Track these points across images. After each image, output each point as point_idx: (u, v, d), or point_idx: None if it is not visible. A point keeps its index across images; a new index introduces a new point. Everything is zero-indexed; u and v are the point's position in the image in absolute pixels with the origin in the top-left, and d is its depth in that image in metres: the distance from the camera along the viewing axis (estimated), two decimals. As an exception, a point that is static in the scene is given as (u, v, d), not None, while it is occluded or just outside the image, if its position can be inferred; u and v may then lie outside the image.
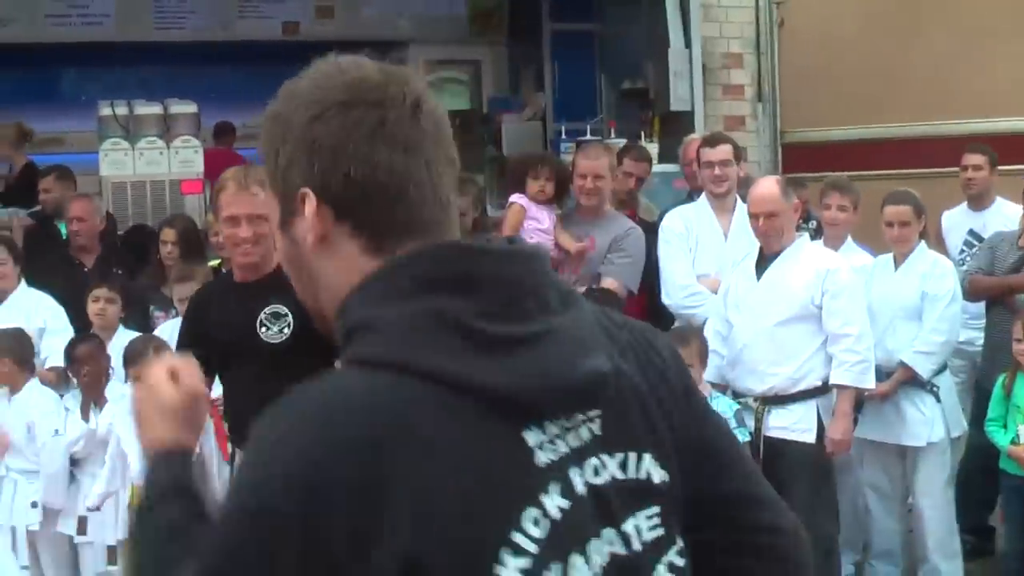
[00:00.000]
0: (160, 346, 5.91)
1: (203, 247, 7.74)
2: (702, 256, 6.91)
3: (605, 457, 1.71)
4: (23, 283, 7.18)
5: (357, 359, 1.65)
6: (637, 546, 1.71)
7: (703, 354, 6.07)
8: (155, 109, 9.92)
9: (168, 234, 7.66)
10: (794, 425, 5.99)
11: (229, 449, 5.37)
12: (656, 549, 1.73)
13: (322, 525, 1.54)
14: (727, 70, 10.92)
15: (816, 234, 7.05)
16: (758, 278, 6.12)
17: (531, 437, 1.64)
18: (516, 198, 7.00)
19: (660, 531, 1.74)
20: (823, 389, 6.05)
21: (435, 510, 1.55)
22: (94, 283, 7.14)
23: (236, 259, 4.96)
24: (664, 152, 9.62)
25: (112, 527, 6.38)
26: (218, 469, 5.90)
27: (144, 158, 9.61)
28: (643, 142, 9.65)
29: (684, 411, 1.83)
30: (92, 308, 6.91)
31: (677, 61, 10.07)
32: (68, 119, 12.74)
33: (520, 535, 1.60)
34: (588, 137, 10.20)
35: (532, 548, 1.60)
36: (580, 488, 1.67)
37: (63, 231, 8.73)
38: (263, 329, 4.72)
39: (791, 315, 6.00)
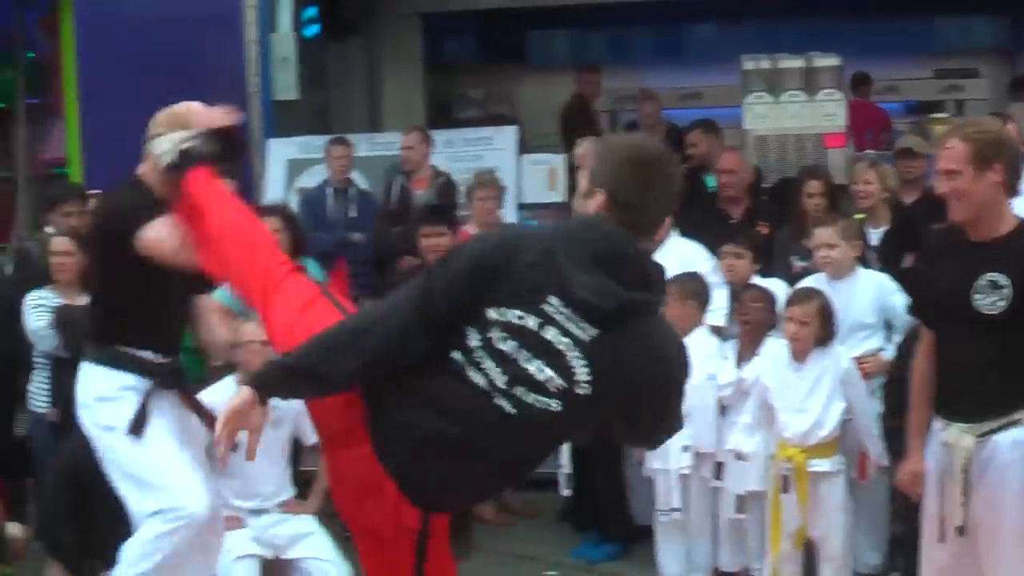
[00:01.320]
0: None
1: (838, 201, 7.66)
2: None
3: (575, 346, 3.28)
4: (675, 233, 7.34)
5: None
6: (537, 378, 3.30)
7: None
8: (798, 63, 9.87)
9: (813, 186, 7.59)
10: None
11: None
12: (539, 389, 3.30)
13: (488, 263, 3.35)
14: None
15: None
16: None
17: (553, 299, 3.29)
18: None
19: (554, 390, 3.29)
20: None
21: (513, 273, 3.31)
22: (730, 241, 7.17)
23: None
24: None
25: (744, 477, 6.43)
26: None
27: (787, 111, 9.59)
28: None
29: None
30: (722, 264, 6.99)
31: None
32: (707, 74, 13.02)
33: (507, 309, 3.30)
34: None
35: (504, 319, 3.30)
36: (546, 335, 3.29)
37: (709, 184, 8.90)
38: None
39: None
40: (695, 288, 6.75)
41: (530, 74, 14.33)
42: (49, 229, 7.72)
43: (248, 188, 8.98)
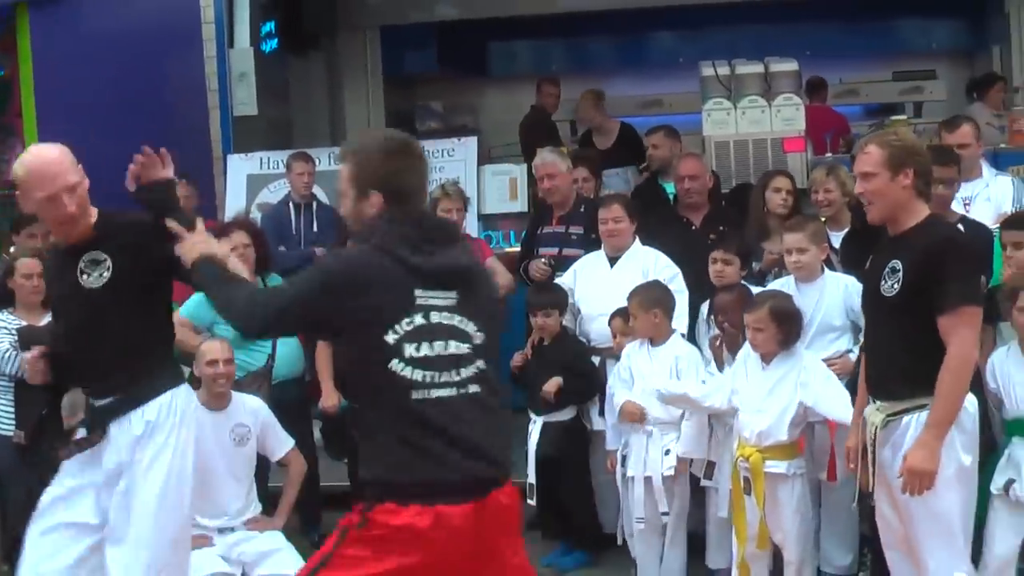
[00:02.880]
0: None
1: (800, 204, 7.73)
2: None
3: (452, 313, 3.93)
4: (637, 241, 7.36)
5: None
6: (458, 352, 3.90)
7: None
8: (757, 68, 9.92)
9: (781, 181, 7.68)
10: None
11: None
12: (467, 359, 3.92)
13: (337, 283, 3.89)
14: None
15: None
16: None
17: (418, 291, 3.89)
18: None
19: (468, 350, 3.92)
20: None
21: (373, 301, 3.84)
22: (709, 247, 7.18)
23: None
24: None
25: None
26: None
27: (746, 117, 9.63)
28: None
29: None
30: (711, 269, 6.99)
31: None
32: (667, 81, 13.07)
33: (397, 326, 3.84)
34: None
35: (401, 333, 3.84)
36: (434, 319, 3.89)
37: (668, 190, 8.92)
38: None
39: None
40: (658, 296, 6.79)
41: (491, 85, 14.35)
42: (12, 250, 7.67)
43: (209, 204, 8.95)
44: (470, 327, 3.97)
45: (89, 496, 4.97)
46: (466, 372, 3.93)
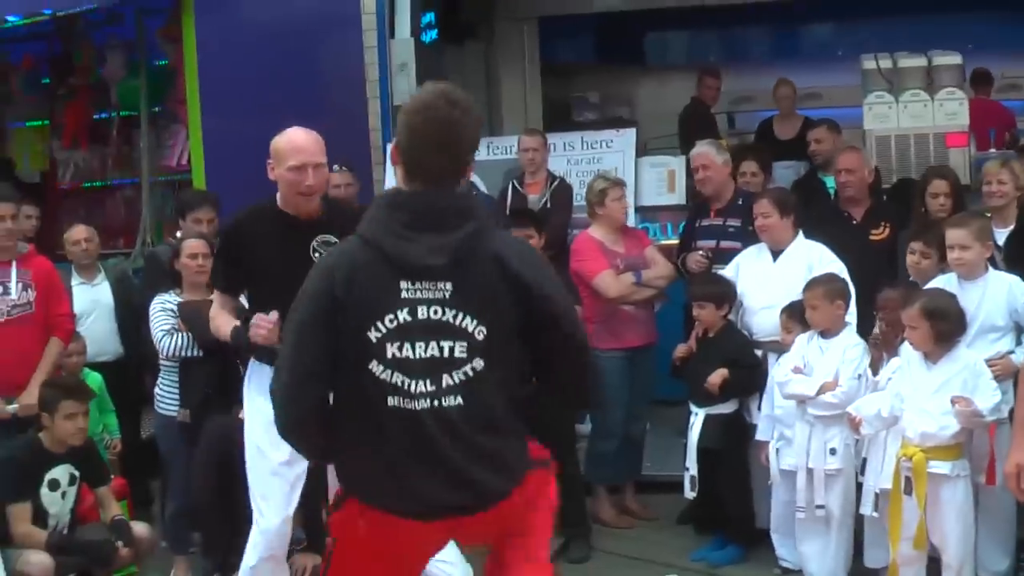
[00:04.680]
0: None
1: (963, 201, 7.55)
2: None
3: (444, 308, 3.51)
4: (800, 235, 7.28)
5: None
6: (443, 356, 3.51)
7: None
8: (919, 61, 9.72)
9: (938, 186, 7.49)
10: None
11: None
12: (456, 363, 3.52)
13: (327, 291, 3.55)
14: None
15: None
16: None
17: (403, 284, 3.51)
18: None
19: (458, 354, 3.51)
20: None
21: (358, 296, 3.51)
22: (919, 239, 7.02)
23: None
24: None
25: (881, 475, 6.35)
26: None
27: (908, 111, 9.44)
28: None
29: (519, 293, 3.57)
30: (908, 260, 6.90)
31: None
32: (827, 74, 12.88)
33: (380, 323, 3.50)
34: None
35: (384, 331, 3.50)
36: (421, 315, 3.50)
37: (828, 184, 8.80)
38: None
39: None
40: (840, 289, 6.72)
41: (647, 75, 14.30)
42: (179, 234, 7.87)
43: (368, 193, 9.06)
44: (468, 323, 3.54)
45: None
46: (450, 379, 3.54)
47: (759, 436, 7.02)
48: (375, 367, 3.51)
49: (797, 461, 6.67)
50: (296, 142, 5.41)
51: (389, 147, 3.71)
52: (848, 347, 6.66)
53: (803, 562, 6.79)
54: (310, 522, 6.63)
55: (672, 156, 10.39)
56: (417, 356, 3.50)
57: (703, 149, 8.21)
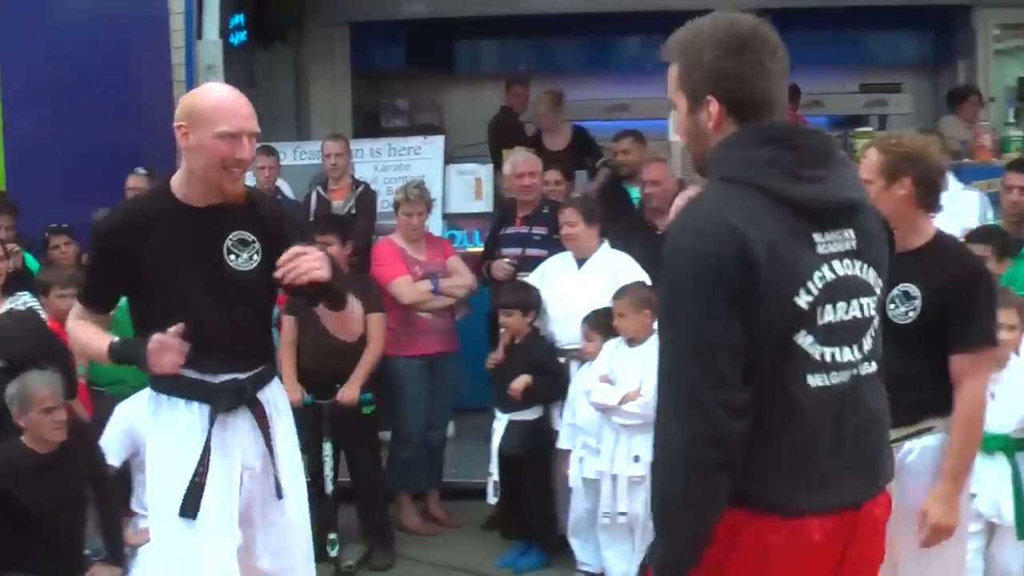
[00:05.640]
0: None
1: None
2: None
3: (853, 260, 2.92)
4: (605, 244, 7.37)
5: (718, 175, 2.90)
6: (863, 315, 2.94)
7: None
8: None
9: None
10: None
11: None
12: (868, 322, 2.96)
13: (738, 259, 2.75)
14: None
15: None
16: None
17: (816, 236, 2.86)
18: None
19: (872, 312, 2.97)
20: None
21: (773, 260, 2.75)
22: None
23: None
24: None
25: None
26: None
27: (714, 122, 9.61)
28: None
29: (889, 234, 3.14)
30: None
31: None
32: (634, 86, 13.07)
33: (810, 283, 2.83)
34: None
35: (815, 292, 2.83)
36: (840, 271, 2.88)
37: (633, 194, 8.94)
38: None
39: None
40: (648, 298, 6.74)
41: (456, 83, 14.33)
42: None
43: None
44: (871, 276, 2.97)
45: None
46: (867, 345, 2.96)
47: (561, 444, 7.09)
48: (802, 339, 2.82)
49: (603, 468, 6.74)
50: (227, 102, 4.25)
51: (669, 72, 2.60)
52: (654, 355, 6.71)
53: (607, 566, 6.86)
54: (109, 533, 6.44)
55: (480, 164, 10.45)
56: (838, 319, 2.86)
57: (528, 156, 8.30)
